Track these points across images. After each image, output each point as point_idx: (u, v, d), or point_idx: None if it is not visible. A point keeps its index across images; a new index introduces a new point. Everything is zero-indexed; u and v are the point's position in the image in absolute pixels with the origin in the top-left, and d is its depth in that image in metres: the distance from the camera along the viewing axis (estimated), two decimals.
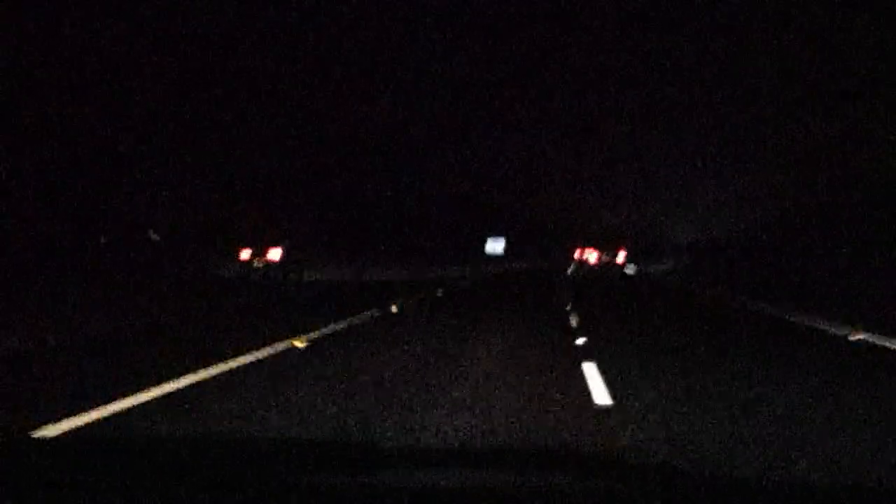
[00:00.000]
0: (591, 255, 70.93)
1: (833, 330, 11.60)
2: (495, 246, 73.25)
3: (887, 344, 9.43)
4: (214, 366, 6.67)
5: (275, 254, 26.71)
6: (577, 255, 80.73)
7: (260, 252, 27.07)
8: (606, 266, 64.32)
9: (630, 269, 62.11)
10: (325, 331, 9.61)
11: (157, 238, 21.34)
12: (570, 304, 16.03)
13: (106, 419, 4.78)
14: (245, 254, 27.11)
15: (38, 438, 3.45)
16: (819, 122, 41.92)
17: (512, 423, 4.90)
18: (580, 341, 8.98)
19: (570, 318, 12.35)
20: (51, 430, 4.41)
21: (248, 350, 7.55)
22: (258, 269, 26.83)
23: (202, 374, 6.29)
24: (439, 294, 19.98)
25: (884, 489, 1.31)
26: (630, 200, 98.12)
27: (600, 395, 5.85)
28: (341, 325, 10.36)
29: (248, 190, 31.49)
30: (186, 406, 5.16)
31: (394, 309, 13.35)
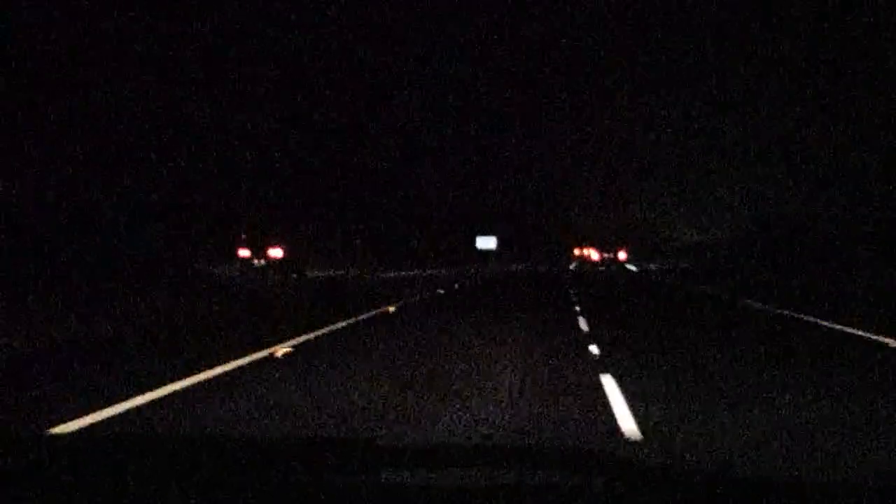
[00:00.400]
0: (594, 254, 73.39)
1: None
2: (487, 243, 71.62)
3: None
4: None
5: (276, 252, 26.62)
6: (577, 253, 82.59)
7: (259, 251, 26.97)
8: (608, 263, 68.00)
9: (632, 267, 64.43)
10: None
11: None
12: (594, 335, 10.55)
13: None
14: (244, 252, 27.08)
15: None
16: (819, 128, 41.93)
17: None
18: None
19: (606, 388, 6.14)
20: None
21: None
22: (258, 268, 26.78)
23: None
24: (391, 311, 14.83)
25: (884, 487, 1.33)
26: (632, 201, 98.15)
27: None
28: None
29: (251, 189, 31.51)
30: None
31: (279, 353, 8.24)
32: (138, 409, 5.11)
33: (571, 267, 62.50)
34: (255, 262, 27.11)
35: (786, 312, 14.45)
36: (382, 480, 1.35)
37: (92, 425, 4.56)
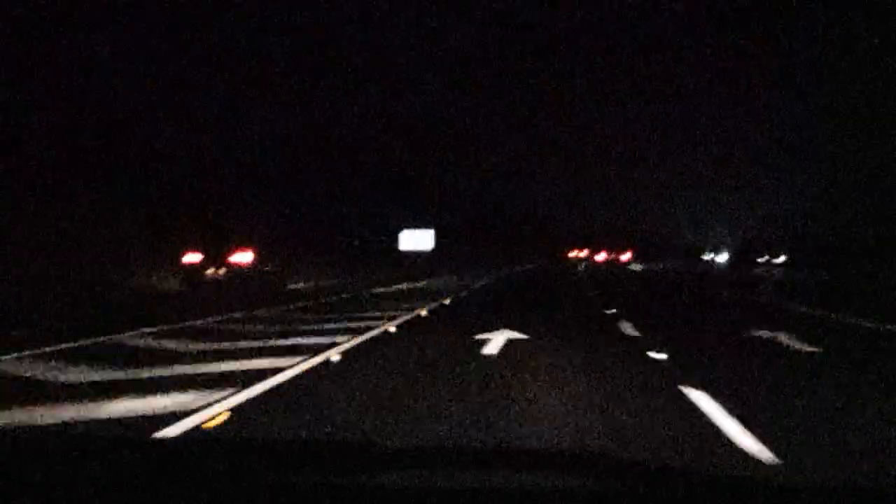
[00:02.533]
0: (600, 255, 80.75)
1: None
2: (416, 240, 46.77)
3: None
4: None
5: (243, 257, 19.85)
6: (572, 255, 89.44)
7: (217, 256, 20.08)
8: (613, 263, 73.15)
9: (636, 266, 68.65)
10: None
11: None
12: None
13: None
14: (192, 257, 20.00)
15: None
16: (819, 127, 42.91)
17: None
18: None
19: None
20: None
21: None
22: (211, 279, 19.81)
23: None
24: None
25: (884, 486, 1.32)
26: (636, 202, 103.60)
27: None
28: None
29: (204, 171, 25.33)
30: None
31: None
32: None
33: (580, 268, 61.36)
34: (211, 271, 20.08)
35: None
36: (382, 481, 1.38)
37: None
